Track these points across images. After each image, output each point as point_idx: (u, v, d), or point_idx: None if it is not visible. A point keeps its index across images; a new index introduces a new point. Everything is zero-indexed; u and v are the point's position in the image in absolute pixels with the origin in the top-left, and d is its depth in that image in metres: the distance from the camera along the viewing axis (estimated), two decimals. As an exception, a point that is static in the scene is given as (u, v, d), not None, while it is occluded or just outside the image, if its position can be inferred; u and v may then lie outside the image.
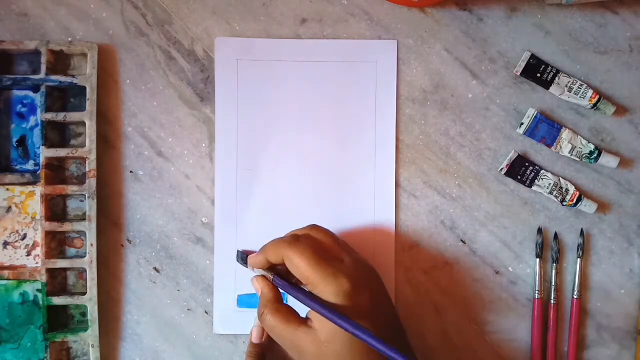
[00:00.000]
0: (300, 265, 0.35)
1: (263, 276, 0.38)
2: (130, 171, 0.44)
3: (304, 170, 0.45)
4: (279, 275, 0.37)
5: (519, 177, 0.44)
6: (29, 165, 0.44)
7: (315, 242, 0.37)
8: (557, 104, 0.45)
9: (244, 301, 0.44)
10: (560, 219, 0.45)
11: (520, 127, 0.44)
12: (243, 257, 0.41)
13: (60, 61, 0.44)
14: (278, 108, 0.45)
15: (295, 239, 0.36)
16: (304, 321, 0.35)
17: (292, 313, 0.36)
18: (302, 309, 0.36)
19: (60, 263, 0.43)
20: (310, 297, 0.35)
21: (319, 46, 0.44)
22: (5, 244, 0.43)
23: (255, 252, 0.39)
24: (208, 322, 0.44)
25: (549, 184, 0.44)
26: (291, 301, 0.38)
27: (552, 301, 0.44)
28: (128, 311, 0.44)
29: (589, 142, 0.44)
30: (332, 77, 0.45)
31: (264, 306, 0.37)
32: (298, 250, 0.35)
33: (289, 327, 0.35)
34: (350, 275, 0.35)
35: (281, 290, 0.38)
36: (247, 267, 0.39)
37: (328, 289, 0.34)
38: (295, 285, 0.36)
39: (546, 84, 0.44)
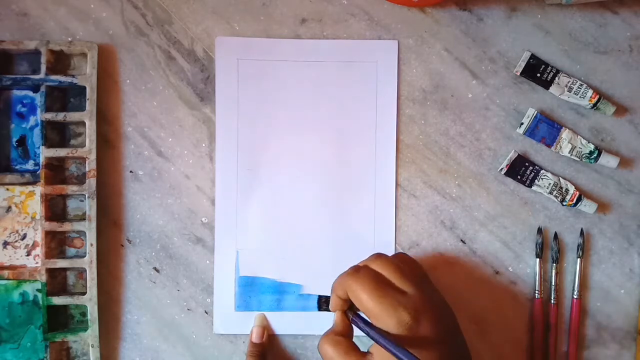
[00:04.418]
0: (361, 297, 0.34)
1: (343, 312, 0.37)
2: (130, 171, 0.44)
3: (305, 170, 0.45)
4: (358, 317, 0.36)
5: (519, 177, 0.44)
6: (29, 165, 0.44)
7: (376, 273, 0.36)
8: (557, 104, 0.45)
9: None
10: (560, 219, 0.45)
11: (520, 127, 0.44)
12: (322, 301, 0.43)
13: (60, 61, 0.44)
14: (279, 108, 0.45)
15: (356, 271, 0.36)
16: (364, 355, 0.35)
17: (353, 348, 0.35)
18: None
19: (60, 263, 0.43)
20: (375, 331, 0.34)
21: (320, 46, 0.44)
22: (5, 244, 0.43)
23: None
24: (208, 322, 0.44)
25: (549, 184, 0.44)
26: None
27: (552, 301, 0.44)
28: (128, 311, 0.44)
29: (589, 142, 0.44)
30: (333, 77, 0.45)
31: (326, 335, 0.36)
32: (358, 282, 0.35)
33: (348, 359, 0.35)
34: (412, 308, 0.34)
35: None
36: (330, 309, 0.39)
37: (388, 321, 0.33)
38: (371, 326, 0.35)
39: (546, 84, 0.44)
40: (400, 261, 0.37)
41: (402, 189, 0.45)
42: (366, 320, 0.35)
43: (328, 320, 0.44)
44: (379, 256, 0.37)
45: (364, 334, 0.34)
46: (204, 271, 0.45)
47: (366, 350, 0.35)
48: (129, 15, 0.44)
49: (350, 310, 0.37)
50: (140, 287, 0.44)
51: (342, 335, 0.36)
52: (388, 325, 0.33)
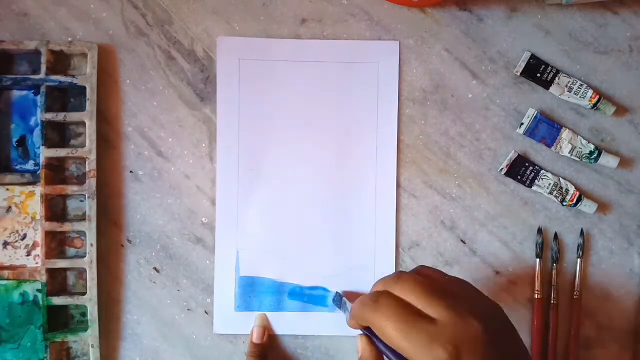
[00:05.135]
0: (388, 334, 0.30)
1: (365, 335, 0.33)
2: (130, 171, 0.44)
3: (305, 169, 0.45)
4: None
5: (519, 177, 0.44)
6: (29, 165, 0.44)
7: (399, 301, 0.31)
8: (557, 104, 0.45)
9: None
10: (560, 219, 0.45)
11: (520, 127, 0.44)
12: (339, 299, 0.42)
13: (60, 61, 0.44)
14: (280, 108, 0.45)
15: (376, 301, 0.31)
16: None
17: None
18: None
19: (60, 263, 0.43)
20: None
21: (322, 46, 0.44)
22: (5, 244, 0.43)
23: (353, 293, 0.39)
24: (208, 322, 0.44)
25: (549, 184, 0.44)
26: None
27: (552, 301, 0.44)
28: (128, 311, 0.44)
29: (589, 142, 0.44)
30: (335, 77, 0.45)
31: None
32: (382, 318, 0.30)
33: None
34: (447, 340, 0.28)
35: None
36: (345, 313, 0.37)
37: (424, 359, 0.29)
38: (398, 355, 0.31)
39: (546, 84, 0.44)
40: (425, 278, 0.32)
41: (402, 189, 0.45)
42: (393, 349, 0.31)
43: (328, 320, 0.44)
44: (400, 276, 0.32)
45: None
46: (204, 271, 0.45)
47: None
48: (129, 15, 0.44)
49: (370, 331, 0.33)
50: (140, 287, 0.44)
51: None
52: None
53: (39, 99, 0.43)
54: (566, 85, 0.44)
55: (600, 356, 0.45)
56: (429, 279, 0.32)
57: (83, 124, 0.43)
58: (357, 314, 0.32)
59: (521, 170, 0.44)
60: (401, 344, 0.29)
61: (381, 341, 0.31)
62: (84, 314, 0.44)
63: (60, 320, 0.44)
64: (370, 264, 0.44)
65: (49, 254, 0.43)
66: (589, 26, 0.45)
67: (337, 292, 0.43)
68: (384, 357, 0.32)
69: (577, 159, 0.44)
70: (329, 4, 0.45)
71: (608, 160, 0.44)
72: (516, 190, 0.45)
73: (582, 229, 0.45)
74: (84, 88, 0.43)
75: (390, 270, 0.44)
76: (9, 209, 0.43)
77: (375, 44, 0.45)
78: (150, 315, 0.44)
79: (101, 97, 0.44)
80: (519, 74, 0.44)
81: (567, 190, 0.44)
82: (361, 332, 0.34)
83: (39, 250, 0.43)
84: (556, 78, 0.44)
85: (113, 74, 0.44)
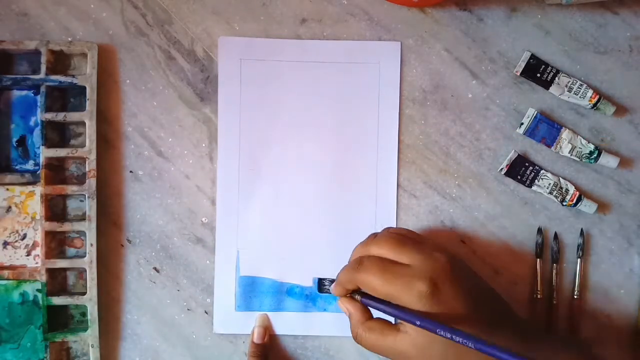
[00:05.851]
0: (375, 286, 0.34)
1: (349, 297, 0.37)
2: (130, 171, 0.44)
3: (306, 169, 0.45)
4: (366, 295, 0.37)
5: (519, 177, 0.44)
6: (29, 165, 0.44)
7: (377, 258, 0.36)
8: (557, 104, 0.45)
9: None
10: (560, 219, 0.45)
11: (520, 127, 0.44)
12: (324, 283, 0.43)
13: (60, 61, 0.44)
14: (281, 108, 0.45)
15: (359, 264, 0.36)
16: (398, 327, 0.35)
17: (384, 325, 0.35)
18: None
19: (60, 263, 0.43)
20: (398, 309, 0.34)
21: (324, 47, 0.44)
22: (5, 244, 0.43)
23: (332, 279, 0.41)
24: (208, 322, 0.44)
25: (549, 184, 0.44)
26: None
27: (552, 301, 0.44)
28: (128, 311, 0.44)
29: (589, 142, 0.44)
30: (336, 78, 0.45)
31: (356, 327, 0.36)
32: (366, 273, 0.35)
33: (387, 339, 0.34)
34: (425, 276, 0.34)
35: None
36: (332, 292, 0.39)
37: (409, 299, 0.33)
38: (382, 301, 0.35)
39: (546, 84, 0.44)
40: (393, 234, 0.37)
41: (402, 189, 0.45)
42: (382, 300, 0.35)
43: (329, 321, 0.44)
44: (374, 238, 0.37)
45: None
46: (204, 271, 0.45)
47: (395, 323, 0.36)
48: (129, 15, 0.44)
49: (354, 293, 0.37)
50: (140, 287, 0.44)
51: (367, 319, 0.36)
52: (411, 302, 0.33)
53: (39, 99, 0.43)
54: (566, 85, 0.44)
55: (600, 356, 0.45)
56: (396, 235, 0.37)
57: (83, 124, 0.43)
58: (344, 279, 0.36)
59: (521, 170, 0.44)
60: (388, 290, 0.34)
61: (367, 297, 0.36)
62: (84, 314, 0.44)
63: (60, 320, 0.44)
64: (370, 264, 0.44)
65: (49, 254, 0.43)
66: (589, 26, 0.45)
67: (318, 279, 0.44)
68: (369, 309, 0.37)
69: (577, 159, 0.44)
70: (329, 4, 0.45)
71: (608, 160, 0.44)
72: (516, 190, 0.45)
73: (582, 229, 0.45)
74: (84, 88, 0.43)
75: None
76: (9, 209, 0.43)
77: (377, 44, 0.45)
78: (150, 315, 0.44)
79: (101, 97, 0.44)
80: (519, 74, 0.44)
81: (567, 190, 0.44)
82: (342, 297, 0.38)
83: (39, 250, 0.43)
84: (556, 78, 0.44)
85: (113, 74, 0.44)
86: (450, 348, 0.33)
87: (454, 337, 0.32)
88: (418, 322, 0.32)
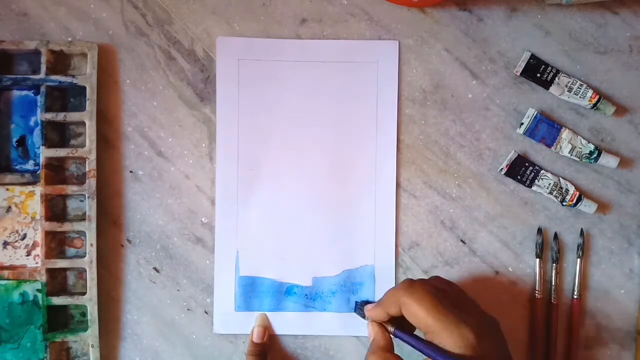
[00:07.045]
0: (419, 313, 0.33)
1: (380, 324, 0.37)
2: (130, 171, 0.44)
3: (305, 169, 0.45)
4: (400, 328, 0.36)
5: (519, 177, 0.44)
6: (29, 165, 0.44)
7: (432, 287, 0.35)
8: (557, 104, 0.45)
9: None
10: (560, 219, 0.45)
11: (520, 127, 0.44)
12: (361, 307, 0.41)
13: (60, 61, 0.44)
14: (280, 108, 0.45)
15: (411, 285, 0.35)
16: None
17: None
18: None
19: (60, 263, 0.43)
20: (433, 349, 0.33)
21: (322, 46, 0.44)
22: (5, 244, 0.43)
23: (373, 302, 0.39)
24: (208, 322, 0.44)
25: (549, 184, 0.44)
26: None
27: (552, 301, 0.44)
28: (128, 311, 0.44)
29: (589, 142, 0.44)
30: (334, 77, 0.45)
31: (373, 353, 0.35)
32: (416, 296, 0.33)
33: None
34: (474, 326, 0.33)
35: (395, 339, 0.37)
36: (365, 319, 0.38)
37: (451, 340, 0.32)
38: (417, 337, 0.34)
39: (546, 84, 0.44)
40: (443, 285, 0.37)
41: (402, 189, 0.45)
42: (417, 336, 0.34)
43: (328, 320, 0.44)
44: (436, 277, 0.38)
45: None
46: (204, 271, 0.45)
47: None
48: (129, 15, 0.44)
49: (390, 323, 0.36)
50: (140, 287, 0.44)
51: (387, 350, 0.35)
52: (448, 343, 0.32)
53: (39, 99, 0.43)
54: (566, 85, 0.44)
55: (600, 356, 0.45)
56: (452, 284, 0.37)
57: (83, 124, 0.43)
58: (388, 299, 0.35)
59: (521, 170, 0.44)
60: (430, 322, 0.32)
61: (401, 333, 0.35)
62: (84, 314, 0.44)
63: (60, 320, 0.44)
64: (370, 263, 0.44)
65: (49, 254, 0.43)
66: (589, 26, 0.45)
67: (356, 302, 0.43)
68: (393, 341, 0.36)
69: (577, 159, 0.44)
70: (329, 4, 0.45)
71: (608, 160, 0.44)
72: (516, 190, 0.45)
73: (582, 229, 0.45)
74: (84, 88, 0.43)
75: (390, 269, 0.44)
76: (9, 209, 0.43)
77: (375, 43, 0.45)
78: (150, 315, 0.44)
79: (101, 97, 0.44)
80: (519, 74, 0.44)
81: (567, 190, 0.44)
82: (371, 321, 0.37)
83: (39, 250, 0.43)
84: (556, 78, 0.44)
85: (113, 74, 0.44)
86: None
87: None
88: None
